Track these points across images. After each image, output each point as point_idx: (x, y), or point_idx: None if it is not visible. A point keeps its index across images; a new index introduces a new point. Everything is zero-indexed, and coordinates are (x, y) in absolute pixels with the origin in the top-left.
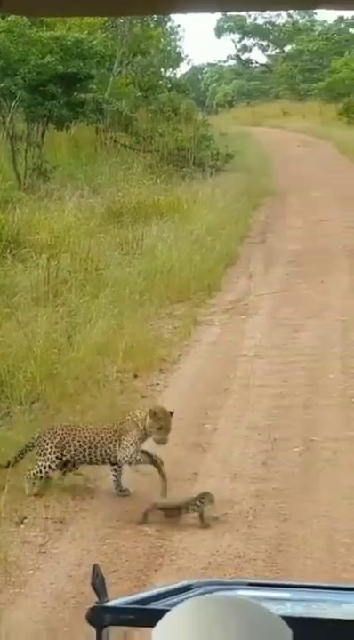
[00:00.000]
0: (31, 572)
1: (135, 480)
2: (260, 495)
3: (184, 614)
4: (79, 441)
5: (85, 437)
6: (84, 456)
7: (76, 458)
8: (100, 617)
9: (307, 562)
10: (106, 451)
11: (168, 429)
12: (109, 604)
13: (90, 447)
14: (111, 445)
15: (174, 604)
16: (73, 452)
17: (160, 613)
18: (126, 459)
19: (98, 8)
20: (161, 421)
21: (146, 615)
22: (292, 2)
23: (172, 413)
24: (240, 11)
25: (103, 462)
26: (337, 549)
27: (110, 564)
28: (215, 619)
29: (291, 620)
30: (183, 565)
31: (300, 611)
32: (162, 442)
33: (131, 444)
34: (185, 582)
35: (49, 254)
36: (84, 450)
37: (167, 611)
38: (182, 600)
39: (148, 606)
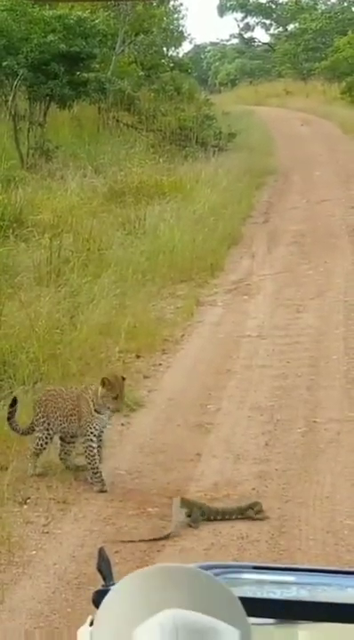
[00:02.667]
0: (34, 552)
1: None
2: (263, 476)
3: (122, 589)
4: (58, 410)
5: (63, 405)
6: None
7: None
8: None
9: (309, 543)
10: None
11: (123, 396)
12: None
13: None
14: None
15: None
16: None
17: None
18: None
19: None
20: (115, 390)
21: None
22: None
23: (124, 379)
24: None
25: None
26: (340, 530)
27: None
28: (156, 587)
29: (296, 604)
30: (186, 546)
31: (305, 594)
32: (118, 410)
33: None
34: (190, 566)
35: (51, 234)
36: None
37: None
38: None
39: None
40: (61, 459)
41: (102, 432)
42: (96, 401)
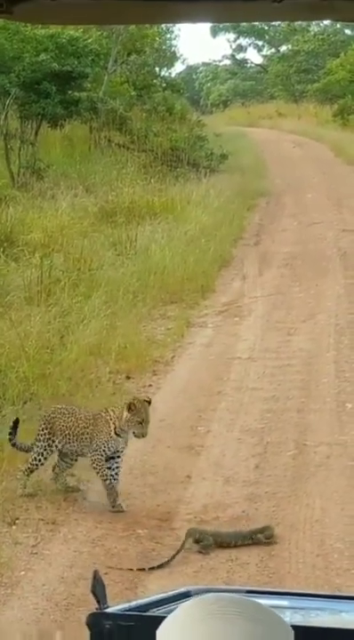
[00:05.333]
0: (23, 572)
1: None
2: (253, 499)
3: (185, 613)
4: (68, 428)
5: (75, 424)
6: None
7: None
8: (100, 623)
9: (299, 566)
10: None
11: (148, 421)
12: (109, 610)
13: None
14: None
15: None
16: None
17: (160, 620)
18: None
19: (102, 17)
20: (141, 414)
21: (146, 622)
22: (288, 13)
23: (149, 403)
24: (237, 22)
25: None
26: (330, 554)
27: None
28: (216, 616)
29: None
30: (175, 569)
31: (298, 619)
32: (142, 435)
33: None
34: (183, 589)
35: (42, 253)
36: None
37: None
38: None
39: (147, 613)
40: (55, 473)
41: (120, 455)
42: (119, 424)
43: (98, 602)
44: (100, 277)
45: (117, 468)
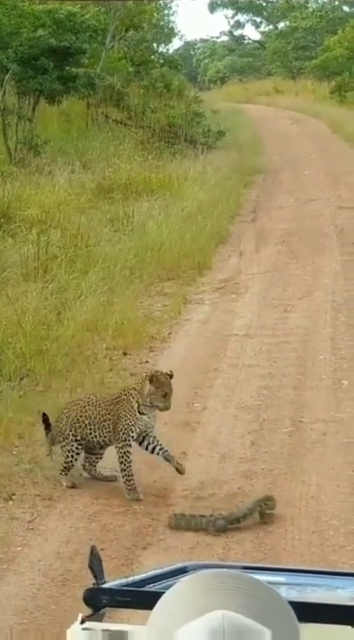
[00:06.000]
0: (19, 548)
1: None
2: (249, 475)
3: (185, 588)
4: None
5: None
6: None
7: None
8: (97, 598)
9: (295, 543)
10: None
11: (171, 393)
12: (106, 585)
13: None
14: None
15: (171, 587)
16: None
17: (157, 595)
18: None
19: None
20: (165, 387)
21: (143, 597)
22: None
23: (171, 376)
24: None
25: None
26: (326, 531)
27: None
28: (217, 591)
29: None
30: (171, 544)
31: (294, 595)
32: (166, 408)
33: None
34: (180, 564)
35: (39, 229)
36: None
37: (164, 593)
38: None
39: (145, 588)
40: (86, 470)
41: (150, 432)
42: (142, 400)
43: (95, 577)
44: (97, 254)
45: (156, 442)
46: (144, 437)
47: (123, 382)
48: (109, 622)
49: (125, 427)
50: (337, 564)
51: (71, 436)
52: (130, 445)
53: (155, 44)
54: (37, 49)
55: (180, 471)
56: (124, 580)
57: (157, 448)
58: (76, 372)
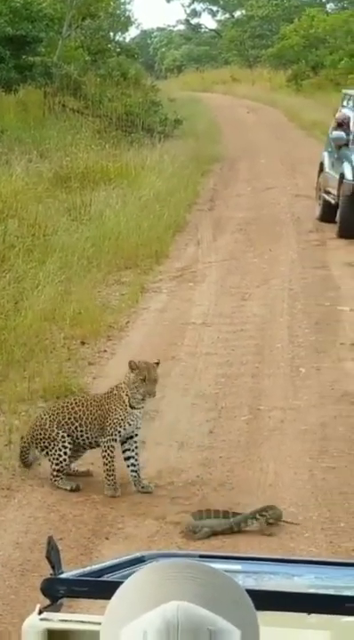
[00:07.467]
0: None
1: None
2: (207, 464)
3: (142, 577)
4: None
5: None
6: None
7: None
8: (54, 588)
9: (253, 531)
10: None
11: (153, 379)
12: (64, 575)
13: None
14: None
15: (128, 576)
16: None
17: (114, 585)
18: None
19: None
20: (143, 371)
21: (100, 587)
22: None
23: (157, 363)
24: None
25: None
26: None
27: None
28: (174, 580)
29: None
30: (131, 533)
31: (251, 583)
32: (150, 394)
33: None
34: (138, 554)
35: None
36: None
37: (121, 583)
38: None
39: (102, 578)
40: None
41: (135, 436)
42: (131, 393)
43: (52, 568)
44: (54, 243)
45: (134, 454)
46: (127, 439)
47: (81, 371)
48: (68, 612)
49: (115, 421)
50: (295, 552)
51: (60, 438)
52: (115, 441)
53: (111, 33)
54: None
55: (145, 492)
56: (81, 570)
57: (131, 461)
58: (34, 361)
